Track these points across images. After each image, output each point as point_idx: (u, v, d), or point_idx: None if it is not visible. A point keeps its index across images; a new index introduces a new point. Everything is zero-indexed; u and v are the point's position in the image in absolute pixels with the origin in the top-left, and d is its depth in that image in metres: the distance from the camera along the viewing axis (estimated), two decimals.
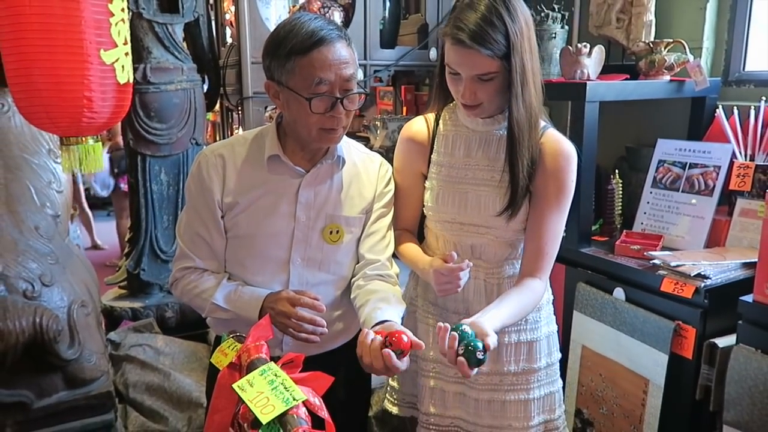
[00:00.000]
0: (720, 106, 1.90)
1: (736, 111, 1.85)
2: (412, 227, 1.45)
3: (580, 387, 1.86)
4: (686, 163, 1.88)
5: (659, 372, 1.59)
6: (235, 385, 0.93)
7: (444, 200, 1.35)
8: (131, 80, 1.73)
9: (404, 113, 3.24)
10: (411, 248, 1.39)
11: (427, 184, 1.39)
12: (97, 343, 1.80)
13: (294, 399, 0.87)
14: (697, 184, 1.83)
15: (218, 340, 1.37)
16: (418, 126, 1.41)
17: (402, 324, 1.19)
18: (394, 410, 1.50)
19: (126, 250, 2.43)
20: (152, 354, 2.11)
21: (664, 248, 1.79)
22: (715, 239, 1.80)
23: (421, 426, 1.41)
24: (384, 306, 1.21)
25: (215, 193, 1.28)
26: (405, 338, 1.06)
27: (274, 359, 1.39)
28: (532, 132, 1.23)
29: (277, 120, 1.34)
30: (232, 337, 1.17)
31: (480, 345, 1.06)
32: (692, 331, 1.54)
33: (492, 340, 1.08)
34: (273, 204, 1.30)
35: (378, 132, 2.80)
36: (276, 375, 0.93)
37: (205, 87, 2.59)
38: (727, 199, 1.82)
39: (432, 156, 1.38)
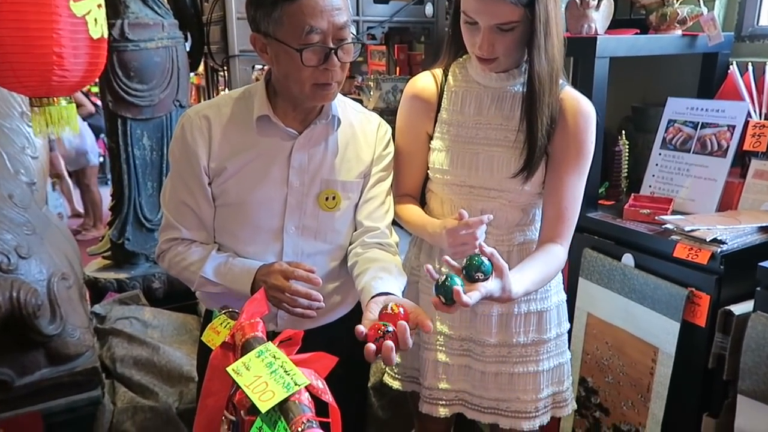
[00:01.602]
0: (734, 63, 1.80)
1: (750, 67, 1.75)
2: (414, 192, 1.36)
3: (585, 355, 1.80)
4: (698, 122, 1.79)
5: (670, 340, 1.54)
6: (229, 369, 0.84)
7: (453, 162, 1.25)
8: (106, 35, 1.59)
9: (397, 74, 3.11)
10: (415, 212, 1.31)
11: (433, 144, 1.29)
12: (80, 317, 1.71)
13: (296, 384, 0.78)
14: (710, 145, 1.75)
15: (209, 316, 1.29)
16: (425, 82, 1.30)
17: (403, 296, 1.11)
18: (395, 385, 1.44)
19: (109, 219, 2.32)
20: (140, 327, 2.02)
21: (674, 212, 1.72)
22: (727, 202, 1.72)
23: (423, 400, 1.35)
24: (385, 276, 1.13)
25: (201, 158, 1.18)
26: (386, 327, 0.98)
27: (270, 335, 1.32)
28: (553, 88, 1.14)
29: (266, 77, 1.23)
30: (225, 313, 1.09)
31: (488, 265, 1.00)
32: (706, 298, 1.47)
33: (503, 277, 1.02)
34: (264, 169, 1.20)
35: (371, 93, 2.68)
36: (275, 357, 0.85)
37: (188, 45, 2.44)
38: (740, 161, 1.74)
39: (439, 114, 1.28)
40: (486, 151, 1.23)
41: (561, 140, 1.19)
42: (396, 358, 1.43)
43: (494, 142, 1.23)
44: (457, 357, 1.33)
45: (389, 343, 0.96)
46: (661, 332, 1.56)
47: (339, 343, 1.38)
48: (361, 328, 0.97)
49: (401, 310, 1.00)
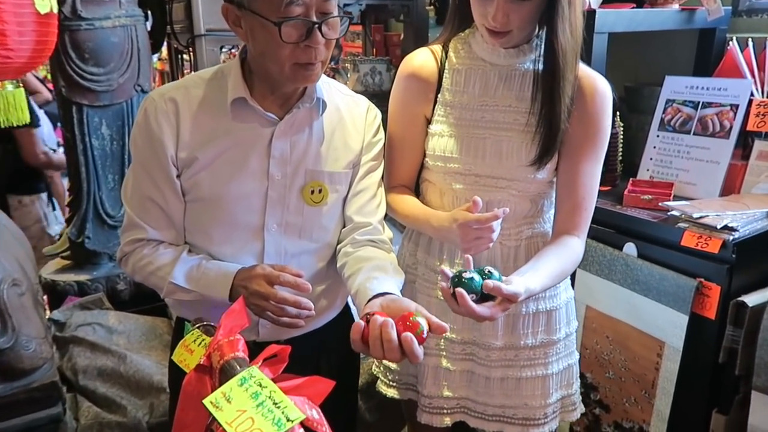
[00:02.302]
0: (733, 39, 1.71)
1: (750, 43, 1.67)
2: (409, 183, 1.23)
3: (584, 350, 1.71)
4: (698, 102, 1.70)
5: (677, 334, 1.45)
6: (206, 402, 0.70)
7: (456, 148, 1.13)
8: (55, 10, 1.42)
9: (374, 56, 2.96)
10: (414, 204, 1.18)
11: (433, 128, 1.16)
12: (35, 326, 1.55)
13: (288, 420, 0.65)
14: (711, 126, 1.66)
15: (180, 325, 1.14)
16: (423, 58, 1.17)
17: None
18: (390, 393, 1.32)
19: (67, 216, 2.13)
20: (104, 333, 1.86)
21: (675, 197, 1.63)
22: (729, 186, 1.64)
23: (422, 410, 1.24)
24: (380, 275, 1.00)
25: (168, 147, 1.04)
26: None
27: (251, 346, 1.18)
28: (576, 63, 1.03)
29: (240, 55, 1.08)
30: (199, 328, 0.94)
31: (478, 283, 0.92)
32: (716, 289, 1.39)
33: (512, 287, 0.92)
34: (240, 159, 1.06)
35: (348, 76, 2.53)
36: (261, 385, 0.71)
37: (149, 25, 2.24)
38: (742, 141, 1.66)
39: (440, 95, 1.15)
40: (494, 136, 1.11)
41: (578, 123, 1.07)
42: (391, 363, 1.33)
43: (503, 125, 1.11)
44: (459, 362, 1.21)
45: (409, 335, 0.83)
46: (668, 325, 1.47)
47: (328, 349, 1.26)
48: (361, 324, 0.87)
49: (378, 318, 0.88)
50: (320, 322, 1.22)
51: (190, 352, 0.89)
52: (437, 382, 1.22)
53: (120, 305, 2.03)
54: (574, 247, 1.12)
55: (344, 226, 1.17)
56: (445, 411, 1.23)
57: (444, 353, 1.21)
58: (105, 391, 1.70)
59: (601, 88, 1.09)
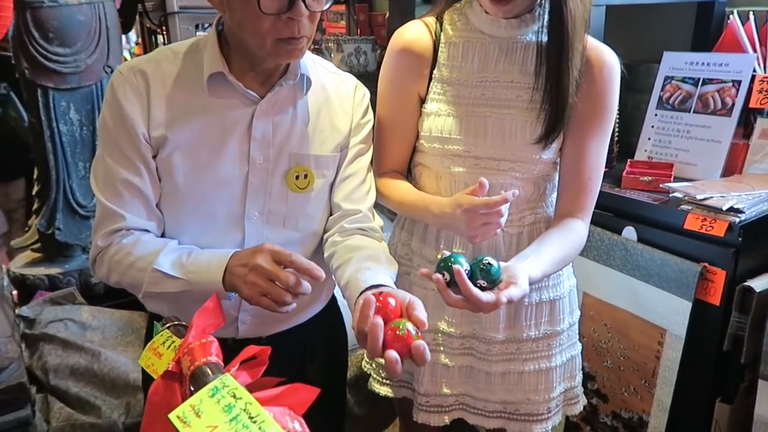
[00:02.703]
0: (734, 12, 1.64)
1: (752, 16, 1.59)
2: (401, 167, 1.15)
3: (582, 339, 1.62)
4: (699, 78, 1.62)
5: (679, 321, 1.39)
6: (172, 416, 0.61)
7: (454, 128, 1.04)
8: None
9: (359, 36, 2.85)
10: (409, 190, 1.09)
11: (428, 108, 1.07)
12: (1, 324, 1.45)
13: None
14: (713, 103, 1.59)
15: (152, 325, 1.05)
16: (416, 32, 1.08)
17: None
18: (383, 391, 1.24)
19: (35, 206, 2.01)
20: (76, 330, 1.76)
21: (675, 179, 1.56)
22: (731, 166, 1.58)
23: (418, 408, 1.16)
24: (373, 266, 0.92)
25: (138, 124, 0.93)
26: (411, 330, 0.75)
27: (228, 344, 1.09)
28: (585, 33, 0.95)
29: (216, 26, 0.98)
30: (169, 328, 0.85)
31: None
32: (721, 274, 1.32)
33: (515, 289, 0.84)
34: (218, 141, 0.97)
35: (332, 56, 2.42)
36: (235, 396, 0.62)
37: (118, 1, 2.12)
38: (744, 119, 1.59)
39: (435, 71, 1.06)
40: (495, 114, 1.03)
41: (585, 98, 0.99)
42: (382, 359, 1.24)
43: (504, 103, 1.03)
44: (458, 357, 1.14)
45: (393, 353, 0.74)
46: (670, 312, 1.41)
47: (314, 344, 1.17)
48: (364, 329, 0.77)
49: (392, 301, 0.79)
50: (305, 316, 1.14)
51: (159, 356, 0.80)
52: (435, 379, 1.15)
53: (94, 300, 1.94)
54: (577, 230, 1.05)
55: (331, 214, 1.08)
56: (443, 409, 1.16)
57: (442, 348, 1.14)
58: (78, 390, 1.61)
59: (609, 60, 1.02)
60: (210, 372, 0.69)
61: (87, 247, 2.04)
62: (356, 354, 1.84)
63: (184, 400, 0.68)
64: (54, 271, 1.97)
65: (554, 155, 1.05)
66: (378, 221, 1.07)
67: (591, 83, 1.00)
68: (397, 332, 0.75)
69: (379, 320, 0.75)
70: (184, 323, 0.85)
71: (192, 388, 0.71)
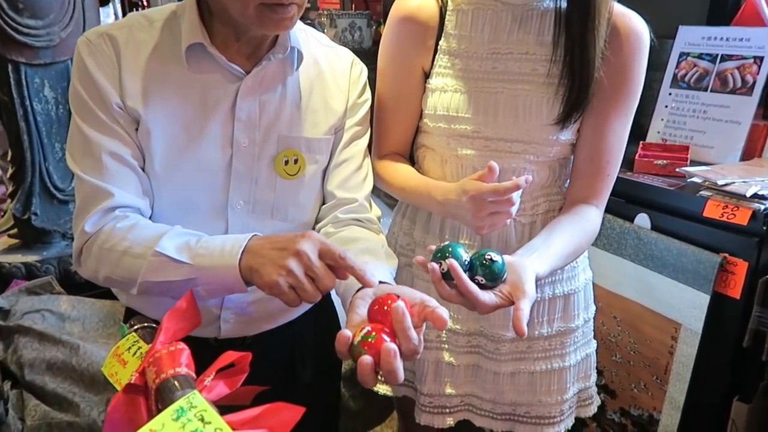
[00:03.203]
0: None
1: None
2: (403, 149, 1.04)
3: None
4: (717, 55, 1.52)
5: (696, 315, 1.30)
6: None
7: (462, 105, 0.94)
8: None
9: (353, 10, 2.72)
10: (411, 175, 0.99)
11: (433, 83, 0.97)
12: None
13: None
14: (732, 81, 1.48)
15: (129, 318, 0.95)
16: None
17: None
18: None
19: (10, 190, 1.90)
20: (54, 321, 1.66)
21: (691, 162, 1.46)
22: (750, 149, 1.48)
23: (421, 409, 1.07)
24: (370, 260, 0.82)
25: (111, 94, 0.82)
26: (386, 342, 0.63)
27: (212, 343, 1.00)
28: None
29: None
30: (136, 331, 0.75)
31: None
32: (743, 266, 1.23)
33: (525, 304, 0.72)
34: (199, 121, 0.86)
35: (324, 32, 2.30)
36: (203, 419, 0.52)
37: None
38: (765, 99, 1.49)
39: (441, 42, 0.95)
40: (508, 90, 0.92)
41: (610, 71, 0.89)
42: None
43: (519, 77, 0.92)
44: (464, 356, 1.05)
45: (367, 359, 0.64)
46: (685, 306, 1.32)
47: (304, 341, 1.07)
48: (347, 334, 0.65)
49: (400, 303, 0.67)
50: (296, 313, 1.04)
51: (123, 364, 0.70)
52: (438, 379, 1.05)
53: (73, 289, 1.83)
54: (591, 218, 0.95)
55: (324, 203, 0.98)
56: (447, 410, 1.07)
57: (446, 346, 1.04)
58: (55, 387, 1.51)
59: (638, 27, 0.91)
60: (178, 386, 0.59)
61: (67, 233, 1.93)
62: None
63: (150, 417, 0.59)
64: (31, 258, 1.86)
65: (573, 136, 0.95)
66: (375, 211, 0.97)
67: (617, 54, 0.89)
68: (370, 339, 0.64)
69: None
70: (155, 325, 0.75)
71: (159, 405, 0.61)
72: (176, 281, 0.76)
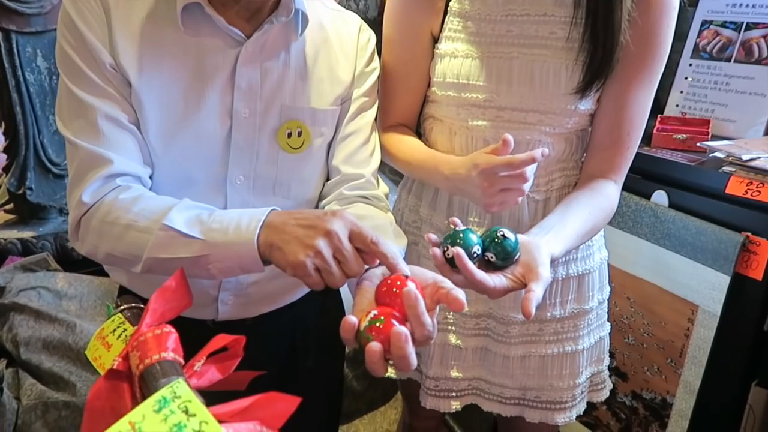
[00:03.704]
0: None
1: None
2: (409, 121, 0.98)
3: None
4: (741, 23, 1.44)
5: (715, 297, 1.24)
6: None
7: (473, 72, 0.87)
8: None
9: None
10: (418, 148, 0.93)
11: (442, 48, 0.90)
12: None
13: None
14: (757, 51, 1.41)
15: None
16: None
17: None
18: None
19: (4, 164, 1.85)
20: (51, 299, 1.62)
21: (713, 137, 1.39)
22: None
23: (426, 393, 1.03)
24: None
25: (102, 52, 0.75)
26: (396, 326, 0.58)
27: (210, 325, 0.95)
28: None
29: None
30: (123, 312, 0.70)
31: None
32: (766, 245, 1.17)
33: (539, 287, 0.66)
34: (195, 89, 0.80)
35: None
36: (187, 411, 0.47)
37: None
38: None
39: (451, 5, 0.89)
40: (524, 55, 0.86)
41: (636, 34, 0.82)
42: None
43: (536, 41, 0.86)
44: (472, 338, 1.00)
45: (375, 345, 0.58)
46: (703, 287, 1.26)
47: (307, 323, 1.02)
48: (353, 320, 0.59)
49: (411, 285, 0.62)
50: (297, 294, 0.99)
51: (107, 348, 0.65)
52: (445, 362, 1.01)
53: (70, 266, 1.78)
54: (609, 195, 0.89)
55: (328, 179, 0.92)
56: (453, 394, 1.02)
57: (453, 328, 0.99)
58: (51, 365, 1.47)
59: None
60: (162, 374, 0.54)
61: (63, 209, 1.88)
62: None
63: (136, 406, 0.54)
64: (27, 234, 1.81)
65: (593, 105, 0.88)
66: (383, 188, 0.91)
67: (645, 15, 0.82)
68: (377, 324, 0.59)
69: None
70: (143, 306, 0.70)
71: (145, 393, 0.56)
72: (186, 258, 0.70)
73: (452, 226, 0.71)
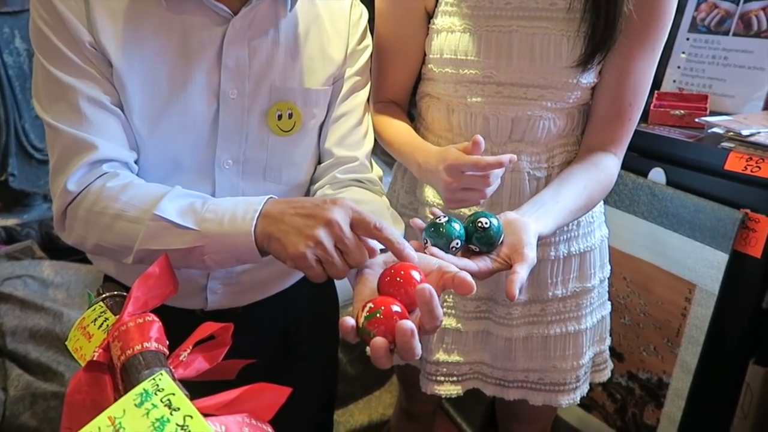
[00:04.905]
0: None
1: None
2: (400, 98, 0.95)
3: None
4: None
5: (713, 275, 1.22)
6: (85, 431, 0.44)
7: (471, 47, 0.84)
8: None
9: None
10: (402, 130, 0.90)
11: (438, 23, 0.87)
12: None
13: None
14: (756, 23, 1.37)
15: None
16: None
17: None
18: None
19: None
20: (37, 287, 1.58)
21: (711, 113, 1.37)
22: None
23: (427, 378, 1.00)
24: None
25: (81, 31, 0.71)
26: (400, 321, 0.54)
27: (199, 314, 0.91)
28: None
29: None
30: (104, 300, 0.67)
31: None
32: (766, 222, 1.15)
33: (523, 268, 0.65)
34: (180, 68, 0.76)
35: None
36: (170, 404, 0.45)
37: None
38: None
39: None
40: (523, 28, 0.82)
41: (639, 3, 0.79)
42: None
43: (535, 13, 0.82)
44: (472, 322, 0.98)
45: (380, 341, 0.56)
46: (701, 265, 1.24)
47: (300, 311, 1.00)
48: (350, 322, 0.56)
49: (415, 273, 0.60)
50: (288, 282, 0.96)
51: (88, 338, 0.62)
52: (445, 347, 0.99)
53: (56, 254, 1.75)
54: (608, 168, 0.87)
55: (320, 162, 0.89)
56: (455, 378, 1.00)
57: (453, 312, 0.97)
58: (38, 355, 1.44)
59: None
60: (145, 364, 0.52)
61: (48, 195, 1.83)
62: (347, 310, 1.68)
63: (117, 398, 0.51)
64: (11, 222, 1.77)
65: (595, 78, 0.85)
66: (377, 170, 0.88)
67: None
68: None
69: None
70: (125, 294, 0.67)
71: (126, 386, 0.54)
72: (179, 249, 0.67)
73: (431, 217, 0.70)
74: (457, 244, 0.68)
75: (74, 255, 1.75)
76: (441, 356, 0.98)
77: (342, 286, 1.07)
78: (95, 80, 0.73)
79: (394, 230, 0.63)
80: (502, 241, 0.69)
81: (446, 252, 0.66)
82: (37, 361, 1.43)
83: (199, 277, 0.86)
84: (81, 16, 0.72)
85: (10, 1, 1.61)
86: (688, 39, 1.48)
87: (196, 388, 0.53)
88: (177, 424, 0.43)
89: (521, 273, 0.64)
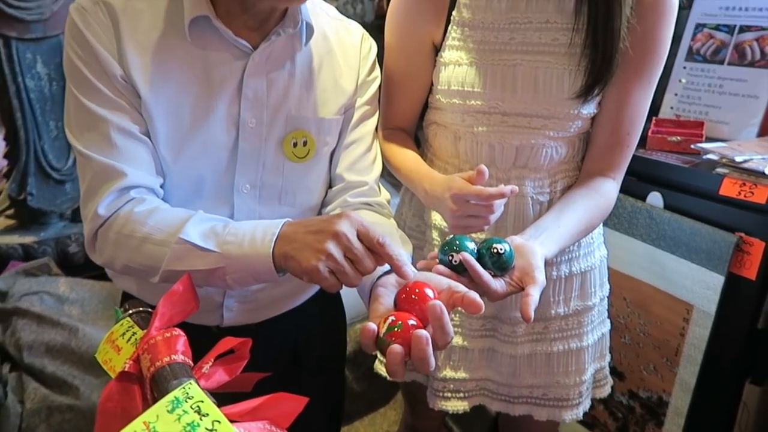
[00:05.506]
0: None
1: None
2: (408, 126, 1.00)
3: None
4: (734, 26, 1.46)
5: (709, 296, 1.26)
6: None
7: (477, 80, 0.89)
8: None
9: None
10: (410, 158, 0.95)
11: (446, 56, 0.92)
12: None
13: None
14: (750, 53, 1.43)
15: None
16: None
17: None
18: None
19: (5, 169, 1.86)
20: (53, 303, 1.63)
21: (706, 139, 1.41)
22: (766, 125, 1.43)
23: (433, 394, 1.04)
24: None
25: (113, 65, 0.76)
26: (416, 330, 0.60)
27: (214, 331, 0.96)
28: None
29: None
30: (131, 316, 0.72)
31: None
32: (759, 246, 1.19)
33: (535, 290, 0.69)
34: (203, 100, 0.81)
35: None
36: (200, 411, 0.49)
37: None
38: None
39: (454, 13, 0.90)
40: (527, 62, 0.88)
41: (635, 39, 0.85)
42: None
43: (538, 48, 0.87)
44: (478, 340, 1.02)
45: (397, 348, 0.60)
46: (698, 287, 1.28)
47: (309, 327, 1.04)
48: (372, 327, 0.61)
49: (429, 291, 0.65)
50: (301, 298, 1.01)
51: (117, 351, 0.67)
52: (452, 364, 1.03)
53: (72, 270, 1.80)
54: (607, 193, 0.92)
55: (331, 186, 0.94)
56: (461, 395, 1.04)
57: (459, 330, 1.02)
58: (54, 369, 1.48)
59: None
60: (173, 376, 0.56)
61: (64, 214, 1.88)
62: (354, 328, 1.72)
63: (147, 407, 0.56)
64: (28, 239, 1.82)
65: (596, 109, 0.91)
66: (385, 194, 0.93)
67: (643, 21, 0.84)
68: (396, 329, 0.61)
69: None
70: (150, 309, 0.72)
71: (155, 395, 0.58)
72: (202, 270, 0.72)
73: (438, 240, 0.75)
74: (474, 252, 0.74)
75: (89, 272, 1.81)
76: (448, 373, 1.02)
77: (349, 303, 1.12)
78: (125, 111, 0.78)
79: (398, 248, 0.68)
80: (513, 266, 0.74)
81: (449, 265, 0.71)
82: (53, 375, 1.47)
83: (215, 294, 0.90)
84: (113, 50, 0.77)
85: (33, 29, 1.68)
86: (685, 67, 1.53)
87: (213, 398, 0.57)
88: (206, 429, 0.47)
89: (534, 295, 0.69)
